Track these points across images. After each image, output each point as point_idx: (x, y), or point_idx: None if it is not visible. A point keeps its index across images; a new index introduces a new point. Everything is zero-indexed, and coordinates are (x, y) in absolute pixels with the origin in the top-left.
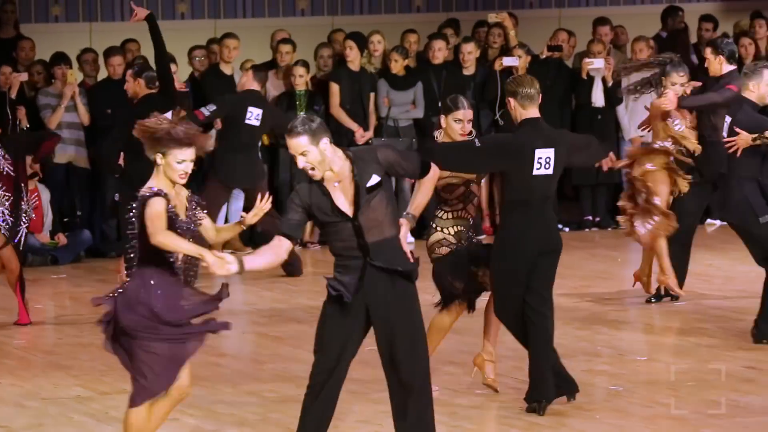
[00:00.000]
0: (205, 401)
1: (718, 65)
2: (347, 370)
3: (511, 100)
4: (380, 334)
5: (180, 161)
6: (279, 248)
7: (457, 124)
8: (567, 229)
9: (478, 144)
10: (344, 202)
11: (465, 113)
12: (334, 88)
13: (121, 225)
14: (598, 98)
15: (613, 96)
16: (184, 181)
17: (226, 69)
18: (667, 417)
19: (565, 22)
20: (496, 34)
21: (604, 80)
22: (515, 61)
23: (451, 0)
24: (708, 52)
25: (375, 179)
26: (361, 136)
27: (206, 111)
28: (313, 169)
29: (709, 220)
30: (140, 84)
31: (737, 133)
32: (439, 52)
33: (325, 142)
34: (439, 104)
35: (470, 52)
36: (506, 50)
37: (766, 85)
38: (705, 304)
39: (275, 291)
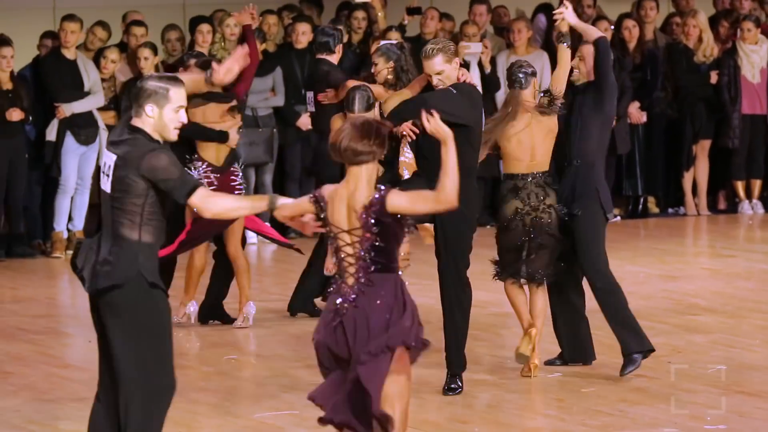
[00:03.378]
0: (48, 416)
1: None
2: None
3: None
4: None
5: None
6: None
7: None
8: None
9: (455, 91)
10: None
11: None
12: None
13: None
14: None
15: (491, 82)
16: None
17: (68, 54)
18: (552, 429)
19: (439, 2)
20: (361, 18)
21: (481, 65)
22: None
23: None
24: None
25: None
26: None
27: None
28: None
29: None
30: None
31: None
32: (303, 36)
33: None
34: (303, 91)
35: None
36: (371, 34)
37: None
38: (588, 306)
39: None
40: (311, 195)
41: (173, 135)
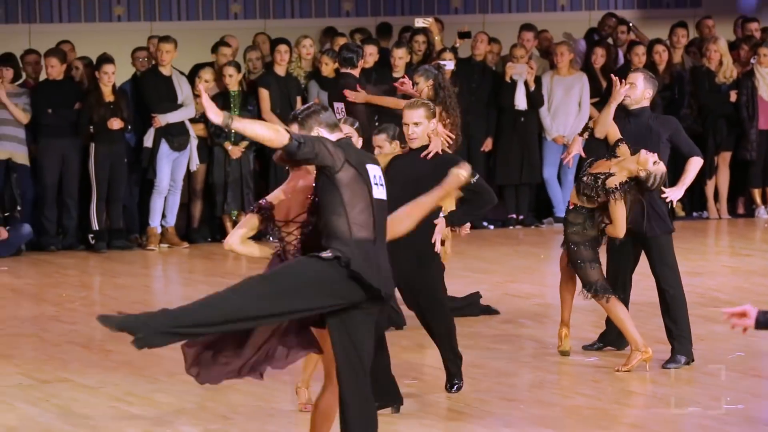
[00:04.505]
0: (145, 390)
1: None
2: None
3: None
4: None
5: None
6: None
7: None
8: (492, 227)
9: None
10: None
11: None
12: (264, 94)
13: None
14: (520, 101)
15: (535, 98)
16: None
17: (164, 71)
18: (588, 407)
19: (489, 28)
20: (421, 42)
21: (526, 84)
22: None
23: (378, 4)
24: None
25: None
26: None
27: None
28: None
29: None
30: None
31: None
32: (370, 57)
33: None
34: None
35: (401, 57)
36: (429, 56)
37: None
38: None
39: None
40: None
41: None
